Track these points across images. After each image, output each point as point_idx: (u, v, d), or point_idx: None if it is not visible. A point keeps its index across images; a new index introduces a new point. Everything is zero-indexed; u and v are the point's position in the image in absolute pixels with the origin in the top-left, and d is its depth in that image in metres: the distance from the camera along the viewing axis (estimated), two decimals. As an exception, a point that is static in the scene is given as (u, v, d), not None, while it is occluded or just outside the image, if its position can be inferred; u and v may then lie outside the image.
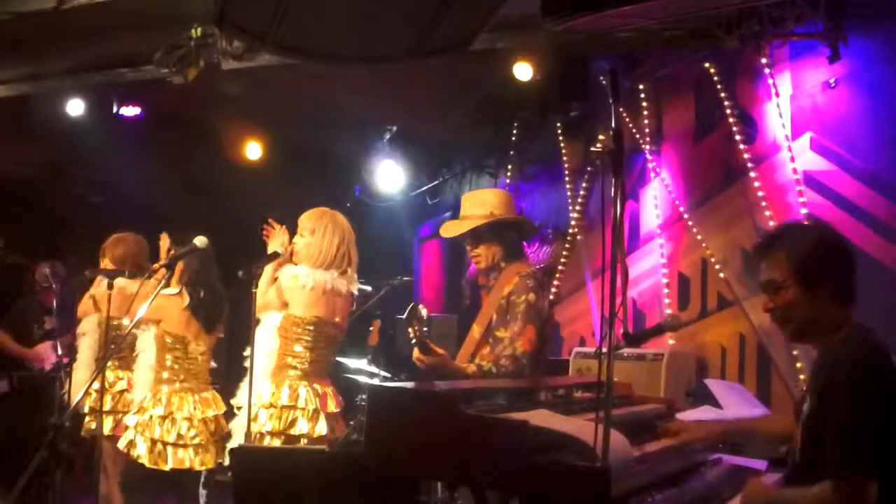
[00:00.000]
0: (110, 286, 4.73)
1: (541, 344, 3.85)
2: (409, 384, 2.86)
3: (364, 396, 6.24)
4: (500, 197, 4.08)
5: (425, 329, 3.59)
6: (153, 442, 4.61)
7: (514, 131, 7.77)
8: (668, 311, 6.13)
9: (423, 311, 3.58)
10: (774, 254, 2.54)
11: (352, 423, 4.97)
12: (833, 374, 2.40)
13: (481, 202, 4.01)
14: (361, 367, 6.54)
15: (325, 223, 4.42)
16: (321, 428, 4.30)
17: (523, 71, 6.32)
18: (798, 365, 5.13)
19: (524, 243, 4.21)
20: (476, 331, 3.96)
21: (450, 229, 4.09)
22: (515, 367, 3.69)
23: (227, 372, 5.05)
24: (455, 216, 8.72)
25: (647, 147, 6.46)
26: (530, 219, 5.30)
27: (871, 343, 2.45)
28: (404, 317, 3.56)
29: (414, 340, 3.58)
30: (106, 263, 5.19)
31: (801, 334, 2.58)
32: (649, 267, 6.42)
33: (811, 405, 2.47)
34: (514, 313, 3.78)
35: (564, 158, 7.45)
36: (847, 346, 2.45)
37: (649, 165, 6.44)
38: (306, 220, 4.44)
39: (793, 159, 5.33)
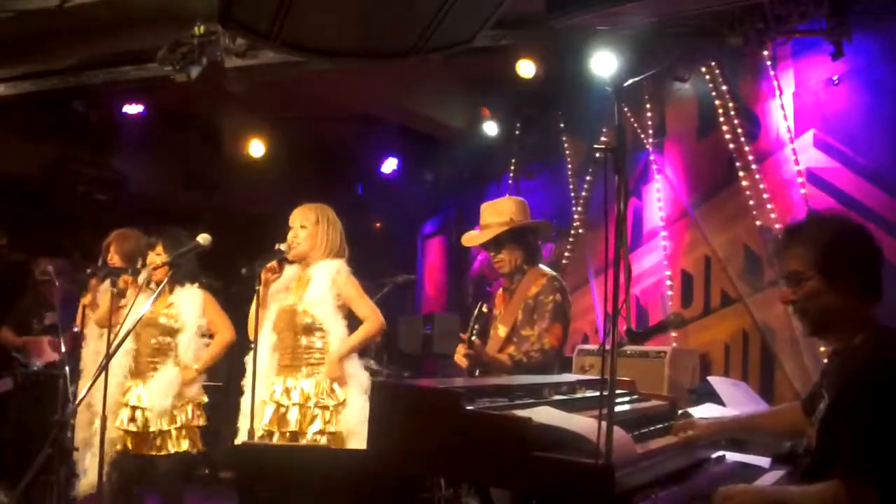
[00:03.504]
0: (113, 283, 4.74)
1: (565, 342, 4.05)
2: (412, 381, 2.86)
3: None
4: (518, 204, 4.22)
5: (477, 326, 3.86)
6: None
7: (517, 128, 7.78)
8: (671, 307, 6.13)
9: (485, 309, 3.90)
10: (797, 245, 2.48)
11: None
12: (852, 377, 2.35)
13: (500, 210, 4.15)
14: (364, 365, 6.54)
15: (325, 213, 4.47)
16: None
17: (526, 68, 6.32)
18: (802, 362, 5.13)
19: None
20: (502, 330, 4.10)
21: (472, 238, 4.25)
22: (544, 359, 3.91)
23: (228, 371, 5.05)
24: (458, 214, 8.79)
25: (650, 144, 6.46)
26: (533, 216, 5.31)
27: (892, 345, 2.40)
28: (474, 315, 3.85)
29: (474, 337, 3.82)
30: (112, 257, 5.17)
31: (821, 328, 2.52)
32: (652, 264, 6.42)
33: (828, 406, 2.44)
34: (542, 312, 3.98)
35: (567, 156, 7.45)
36: (867, 347, 2.40)
37: (652, 163, 6.44)
38: (305, 211, 4.45)
39: (796, 156, 5.33)
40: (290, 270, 4.50)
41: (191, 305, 4.80)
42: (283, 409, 4.27)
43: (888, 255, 2.59)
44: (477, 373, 3.99)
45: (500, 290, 4.26)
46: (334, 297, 4.36)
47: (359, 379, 4.36)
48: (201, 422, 4.78)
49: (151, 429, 4.62)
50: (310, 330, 4.35)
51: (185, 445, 4.66)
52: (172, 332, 4.77)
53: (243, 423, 4.35)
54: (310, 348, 4.35)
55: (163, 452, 4.63)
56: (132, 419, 4.65)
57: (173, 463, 4.67)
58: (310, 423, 4.23)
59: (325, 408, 4.26)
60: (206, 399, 4.85)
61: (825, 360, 2.92)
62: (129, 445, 4.65)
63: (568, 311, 4.07)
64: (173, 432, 4.66)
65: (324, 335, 4.35)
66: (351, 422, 4.24)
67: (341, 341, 4.33)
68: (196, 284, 4.86)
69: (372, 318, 4.40)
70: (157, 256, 4.77)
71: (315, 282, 4.38)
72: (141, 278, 4.79)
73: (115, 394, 4.66)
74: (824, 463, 2.37)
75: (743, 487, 2.41)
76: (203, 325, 4.83)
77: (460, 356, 3.94)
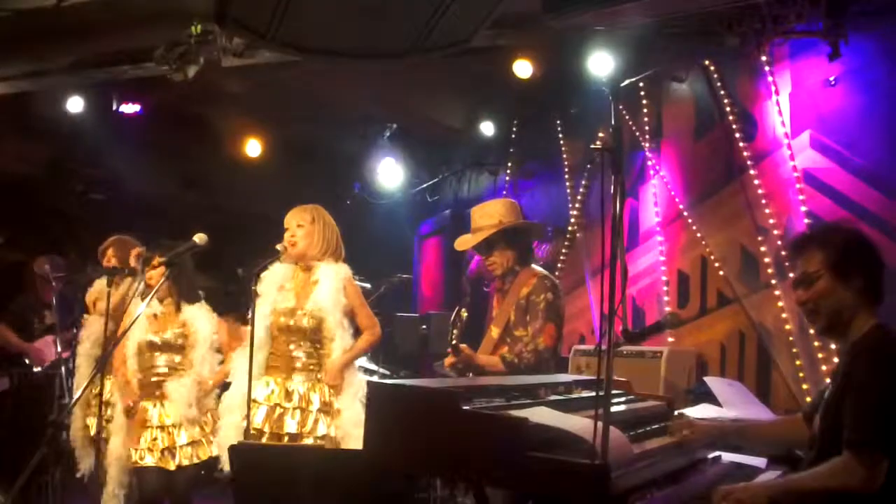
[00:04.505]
0: (110, 283, 4.74)
1: (560, 341, 4.05)
2: (408, 381, 2.86)
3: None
4: (507, 205, 4.22)
5: (455, 331, 3.87)
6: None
7: (514, 128, 7.78)
8: (668, 308, 6.13)
9: (464, 314, 3.90)
10: (809, 249, 2.65)
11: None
12: (857, 358, 2.50)
13: (489, 213, 4.15)
14: (360, 365, 6.54)
15: (320, 213, 4.49)
16: None
17: (523, 68, 6.32)
18: (798, 363, 5.14)
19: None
20: (494, 331, 4.10)
21: (464, 242, 4.25)
22: (538, 360, 3.91)
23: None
24: (454, 214, 8.79)
25: (647, 145, 6.46)
26: (530, 216, 5.32)
27: (893, 335, 2.55)
28: (451, 320, 3.88)
29: (455, 342, 3.83)
30: (109, 261, 5.18)
31: (831, 328, 2.65)
32: (649, 264, 6.42)
33: (832, 390, 2.56)
34: (535, 312, 3.97)
35: (564, 156, 7.45)
36: (872, 336, 2.55)
37: (649, 163, 6.44)
38: (301, 212, 4.46)
39: (792, 157, 5.33)
40: (282, 270, 4.48)
41: (204, 322, 4.85)
42: (279, 411, 4.26)
43: (885, 257, 2.65)
44: (470, 375, 3.99)
45: (495, 291, 4.26)
46: (342, 303, 4.38)
47: (355, 386, 4.36)
48: (213, 428, 4.83)
49: (181, 442, 4.66)
50: (311, 333, 4.35)
51: (215, 450, 4.73)
52: (184, 350, 4.80)
53: (228, 420, 4.36)
54: (307, 352, 4.35)
55: (195, 461, 4.68)
56: (155, 438, 4.66)
57: (193, 471, 4.74)
58: (311, 427, 4.24)
59: (326, 412, 4.27)
60: (214, 406, 4.89)
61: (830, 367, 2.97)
62: (156, 459, 4.65)
63: (561, 309, 4.07)
64: (203, 441, 4.72)
65: (323, 340, 4.36)
66: (346, 426, 4.25)
67: (343, 350, 4.34)
68: (204, 305, 4.90)
69: (373, 328, 4.47)
70: (154, 270, 4.77)
71: (323, 286, 4.37)
72: (137, 284, 4.82)
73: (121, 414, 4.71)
74: (827, 448, 2.42)
75: (743, 485, 2.45)
76: (216, 341, 4.87)
77: (449, 365, 3.97)
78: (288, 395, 4.28)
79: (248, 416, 4.17)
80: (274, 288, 4.43)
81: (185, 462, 4.66)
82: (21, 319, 6.74)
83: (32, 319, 6.73)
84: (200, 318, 4.85)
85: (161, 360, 4.76)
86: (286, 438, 4.24)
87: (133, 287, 4.74)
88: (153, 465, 4.62)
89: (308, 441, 4.23)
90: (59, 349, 5.63)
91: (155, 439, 4.63)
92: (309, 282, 4.42)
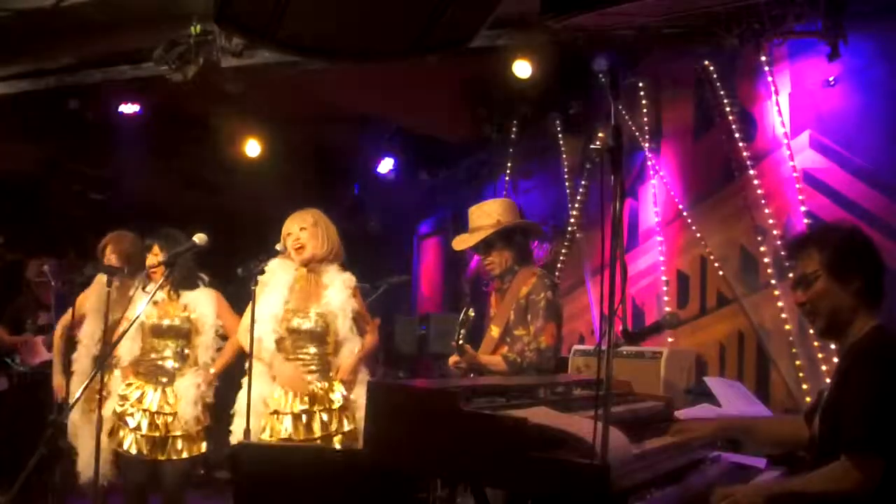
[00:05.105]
0: (110, 283, 4.73)
1: (560, 340, 4.05)
2: (408, 381, 2.87)
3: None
4: (505, 205, 4.22)
5: (463, 331, 3.82)
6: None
7: (514, 128, 7.78)
8: (667, 308, 6.13)
9: (472, 313, 3.82)
10: (807, 250, 2.63)
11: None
12: (855, 359, 2.49)
13: (487, 212, 4.15)
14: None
15: (320, 215, 4.50)
16: None
17: (523, 68, 6.32)
18: (797, 363, 5.14)
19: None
20: (494, 331, 4.10)
21: (462, 242, 4.24)
22: (540, 359, 3.90)
23: (230, 372, 5.04)
24: (454, 214, 8.79)
25: (647, 145, 6.47)
26: (529, 216, 5.32)
27: (893, 337, 2.54)
28: (460, 319, 3.81)
29: (461, 342, 3.80)
30: (108, 258, 5.16)
31: (830, 329, 2.64)
32: (648, 265, 6.43)
33: (831, 391, 2.55)
34: (535, 311, 3.96)
35: (564, 156, 7.45)
36: (871, 337, 2.54)
37: (648, 163, 6.44)
38: (302, 215, 4.46)
39: (792, 157, 5.34)
40: (286, 274, 4.46)
41: (207, 307, 4.81)
42: (306, 417, 4.26)
43: (884, 257, 2.64)
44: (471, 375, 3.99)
45: (493, 291, 4.26)
46: (354, 308, 4.43)
47: (366, 383, 4.40)
48: (209, 422, 4.80)
49: (176, 433, 4.62)
50: (320, 336, 4.36)
51: (204, 447, 4.71)
52: (188, 335, 4.77)
53: (239, 425, 4.35)
54: (317, 353, 4.36)
55: (184, 455, 4.64)
56: (151, 424, 4.63)
57: (183, 465, 4.69)
58: (336, 426, 4.27)
59: (346, 409, 4.32)
60: (211, 399, 4.86)
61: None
62: (145, 450, 4.62)
63: (560, 308, 4.08)
64: (197, 436, 4.69)
65: (328, 342, 4.37)
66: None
67: (352, 354, 4.38)
68: (203, 286, 4.87)
69: (374, 333, 4.55)
70: (155, 257, 4.76)
71: (334, 290, 4.41)
72: (137, 281, 4.80)
73: (115, 394, 4.68)
74: (828, 450, 2.42)
75: (742, 486, 2.44)
76: (220, 326, 4.84)
77: (453, 364, 3.98)
78: (312, 398, 4.28)
79: (247, 417, 4.17)
80: (282, 289, 4.41)
81: (175, 455, 4.62)
82: (14, 320, 6.74)
83: (26, 320, 6.73)
84: (203, 302, 4.80)
85: (167, 346, 4.74)
86: (318, 442, 4.24)
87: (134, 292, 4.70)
88: (136, 453, 4.58)
89: (336, 440, 4.26)
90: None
91: (151, 424, 4.61)
92: (316, 284, 4.43)
